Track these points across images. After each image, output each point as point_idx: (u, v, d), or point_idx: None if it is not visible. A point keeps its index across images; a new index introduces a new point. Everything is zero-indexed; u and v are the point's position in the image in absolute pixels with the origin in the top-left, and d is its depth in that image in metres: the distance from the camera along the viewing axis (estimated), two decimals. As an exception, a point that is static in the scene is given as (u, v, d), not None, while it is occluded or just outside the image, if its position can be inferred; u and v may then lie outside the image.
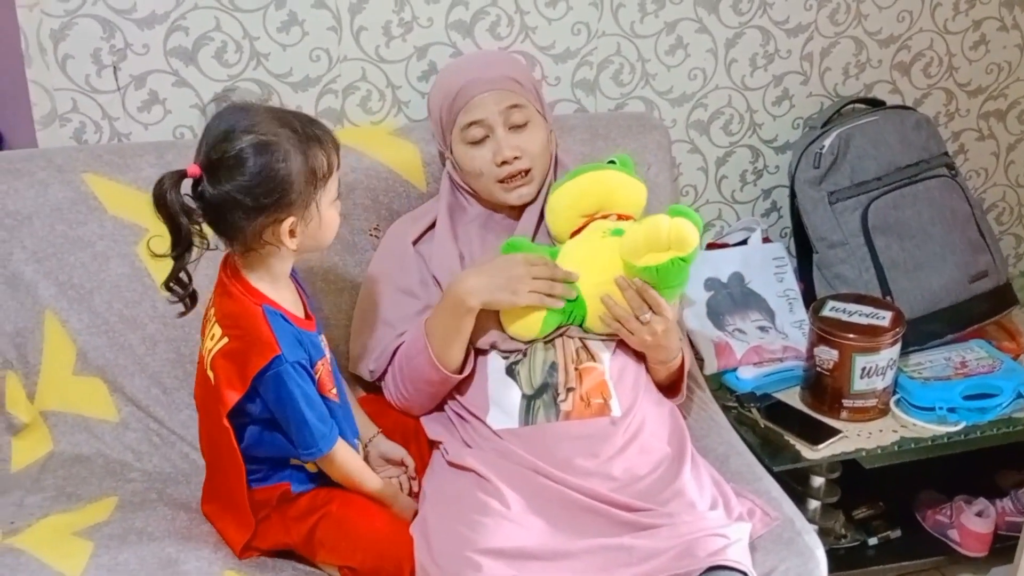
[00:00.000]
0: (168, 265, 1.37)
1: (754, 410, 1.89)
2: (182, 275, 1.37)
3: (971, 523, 2.03)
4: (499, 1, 1.92)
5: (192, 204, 1.32)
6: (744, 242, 2.14)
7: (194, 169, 1.31)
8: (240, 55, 1.84)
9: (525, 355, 1.57)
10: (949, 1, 2.18)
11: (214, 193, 1.30)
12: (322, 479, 1.49)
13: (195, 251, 1.35)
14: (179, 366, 1.73)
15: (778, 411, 1.90)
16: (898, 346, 1.85)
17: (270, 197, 1.31)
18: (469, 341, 1.57)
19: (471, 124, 1.62)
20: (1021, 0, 2.22)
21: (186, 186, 1.33)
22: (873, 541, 2.06)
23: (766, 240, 2.16)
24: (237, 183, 1.30)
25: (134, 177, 1.71)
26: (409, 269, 1.68)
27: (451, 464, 1.54)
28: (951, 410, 1.87)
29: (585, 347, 1.58)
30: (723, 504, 1.48)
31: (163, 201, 1.29)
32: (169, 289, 1.38)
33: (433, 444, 1.63)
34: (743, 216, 2.27)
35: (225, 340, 1.37)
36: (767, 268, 2.11)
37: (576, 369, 1.55)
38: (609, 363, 1.58)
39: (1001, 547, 2.02)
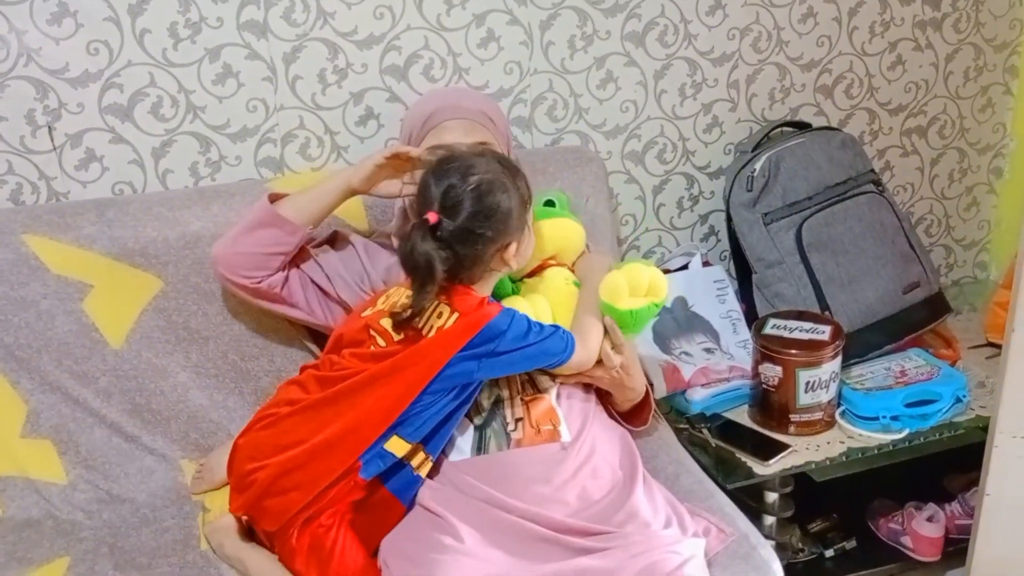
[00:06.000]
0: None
1: (705, 430, 1.92)
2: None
3: (922, 528, 2.07)
4: (431, 44, 1.96)
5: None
6: (685, 267, 2.18)
7: (433, 216, 1.44)
8: (176, 109, 1.85)
9: None
10: (865, 24, 2.27)
11: (452, 231, 1.44)
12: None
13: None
14: (136, 416, 1.73)
15: (728, 430, 1.93)
16: (839, 359, 1.89)
17: (501, 225, 1.47)
18: None
19: (436, 146, 1.65)
20: (932, 21, 2.32)
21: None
22: (829, 553, 2.09)
23: (706, 264, 2.20)
24: (473, 219, 1.45)
25: (76, 236, 1.71)
26: (347, 263, 1.73)
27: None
28: (894, 418, 1.91)
29: (531, 380, 1.60)
30: (677, 523, 1.50)
31: (420, 252, 1.42)
32: (404, 319, 1.49)
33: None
34: (682, 242, 2.32)
35: (457, 314, 1.47)
36: (709, 291, 2.15)
37: (523, 400, 1.57)
38: (556, 391, 1.60)
39: (953, 550, 2.06)
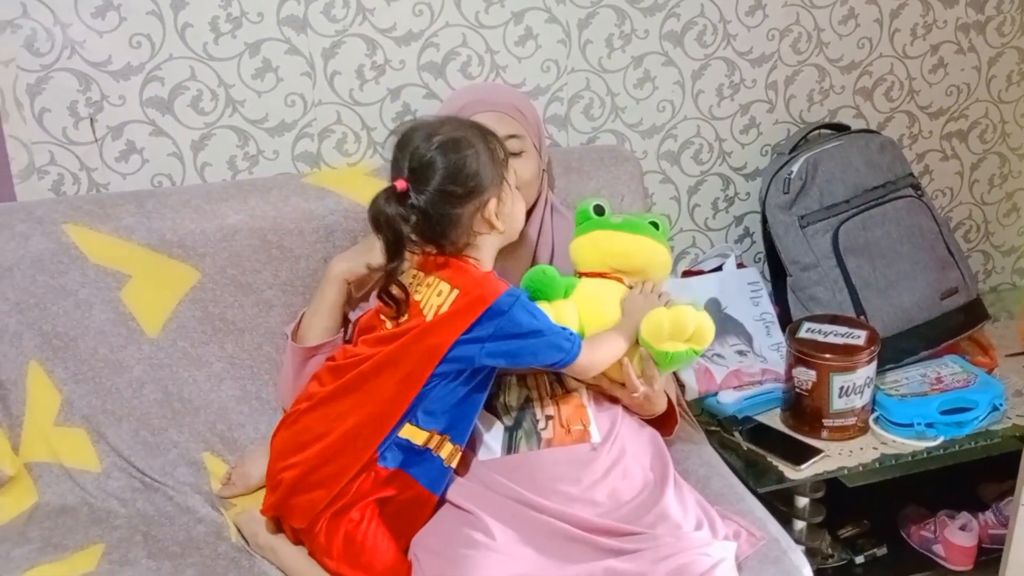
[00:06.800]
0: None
1: (736, 433, 1.91)
2: (393, 288, 1.48)
3: (955, 537, 2.06)
4: (469, 41, 1.96)
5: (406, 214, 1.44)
6: (719, 268, 2.17)
7: (401, 183, 1.43)
8: (216, 103, 1.87)
9: (500, 388, 1.59)
10: (907, 27, 2.24)
11: (423, 197, 1.43)
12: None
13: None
14: (167, 406, 1.74)
15: (760, 433, 1.92)
16: (874, 364, 1.88)
17: (472, 181, 1.45)
18: None
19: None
20: (976, 24, 2.29)
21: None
22: (860, 559, 2.08)
23: (740, 266, 2.19)
24: (443, 179, 1.43)
25: (115, 226, 1.73)
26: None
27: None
28: (929, 425, 1.89)
29: (558, 379, 1.60)
30: (708, 525, 1.50)
31: (383, 215, 1.42)
32: (381, 298, 1.49)
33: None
34: (717, 243, 2.31)
35: (457, 292, 1.45)
36: (743, 293, 2.14)
37: (553, 399, 1.57)
38: (585, 390, 1.60)
39: (986, 559, 2.04)
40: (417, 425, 1.46)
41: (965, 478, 2.14)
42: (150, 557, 1.57)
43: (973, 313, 2.13)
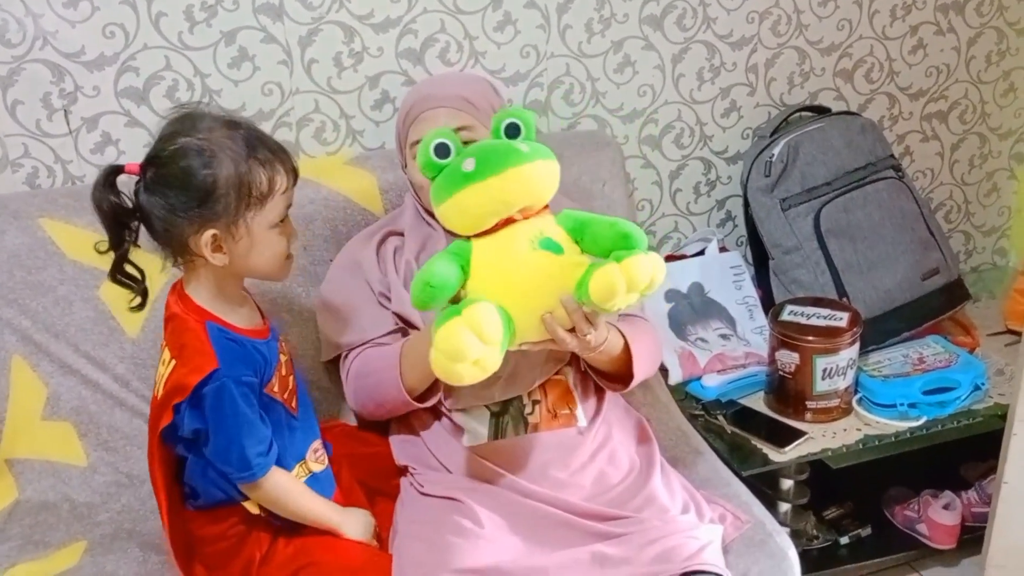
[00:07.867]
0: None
1: (720, 417, 1.92)
2: (129, 268, 1.37)
3: (939, 516, 2.07)
4: (448, 27, 1.95)
5: (128, 203, 1.34)
6: (701, 252, 2.17)
7: (132, 166, 1.32)
8: (192, 93, 1.85)
9: None
10: (886, 8, 2.24)
11: (142, 191, 1.32)
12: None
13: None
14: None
15: (744, 417, 1.93)
16: (857, 346, 1.89)
17: (190, 201, 1.29)
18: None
19: (419, 140, 1.58)
20: (955, 4, 2.29)
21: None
22: (844, 540, 2.09)
23: (723, 249, 2.19)
24: (161, 182, 1.30)
25: (91, 220, 1.67)
26: (372, 278, 1.66)
27: (423, 494, 1.54)
28: (912, 405, 1.90)
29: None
30: (695, 509, 1.50)
31: (94, 196, 1.32)
32: (117, 281, 1.38)
33: (401, 471, 1.62)
34: (699, 227, 2.31)
35: (173, 363, 1.35)
36: (725, 277, 2.14)
37: (540, 383, 1.56)
38: (572, 374, 1.59)
39: (969, 538, 2.05)
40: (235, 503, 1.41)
41: (948, 458, 2.16)
42: (140, 549, 1.55)
43: (954, 293, 2.14)
